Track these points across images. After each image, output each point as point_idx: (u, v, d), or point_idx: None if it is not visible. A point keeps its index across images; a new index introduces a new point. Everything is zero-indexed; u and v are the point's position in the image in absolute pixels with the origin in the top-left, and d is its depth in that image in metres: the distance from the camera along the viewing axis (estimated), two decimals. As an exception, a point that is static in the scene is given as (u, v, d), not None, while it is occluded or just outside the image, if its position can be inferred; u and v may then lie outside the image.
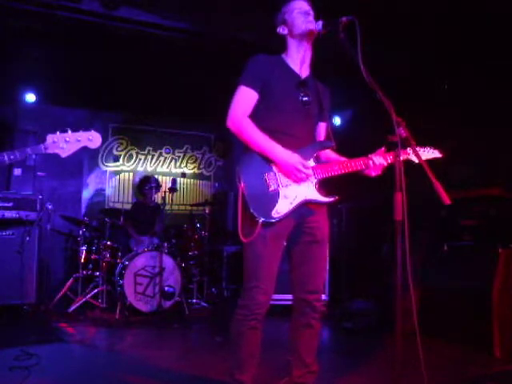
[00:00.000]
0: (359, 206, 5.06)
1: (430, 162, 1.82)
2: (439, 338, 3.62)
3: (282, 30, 2.28)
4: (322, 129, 2.36)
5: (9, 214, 4.66)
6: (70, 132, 2.05)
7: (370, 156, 2.18)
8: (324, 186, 2.19)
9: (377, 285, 4.59)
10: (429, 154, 2.25)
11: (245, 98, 2.19)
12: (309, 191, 2.13)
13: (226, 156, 7.36)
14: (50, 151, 2.03)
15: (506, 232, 3.62)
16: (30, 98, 5.90)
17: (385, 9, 4.13)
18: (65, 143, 2.03)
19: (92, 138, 2.07)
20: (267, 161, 2.12)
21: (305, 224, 2.19)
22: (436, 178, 1.77)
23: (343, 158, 2.27)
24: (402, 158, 1.88)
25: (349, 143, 2.38)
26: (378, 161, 2.16)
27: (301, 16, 2.19)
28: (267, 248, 2.09)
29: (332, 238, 2.37)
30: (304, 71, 2.28)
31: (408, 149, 2.15)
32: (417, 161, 2.13)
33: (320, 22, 2.14)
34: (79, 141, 2.05)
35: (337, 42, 1.99)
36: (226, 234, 6.63)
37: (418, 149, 2.15)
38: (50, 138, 2.04)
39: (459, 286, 3.76)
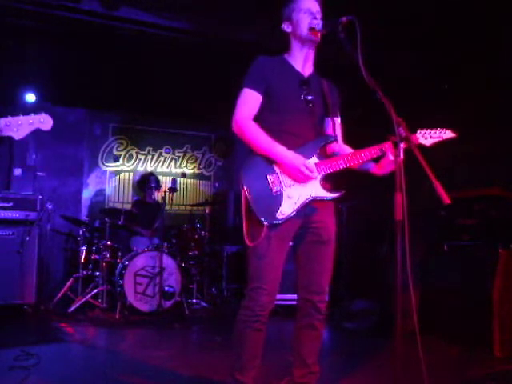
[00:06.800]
0: (360, 205, 5.06)
1: (431, 161, 1.81)
2: (439, 338, 3.63)
3: (286, 27, 2.25)
4: (329, 125, 2.31)
5: (9, 214, 4.67)
6: (21, 116, 2.12)
7: (375, 146, 2.11)
8: (329, 181, 2.17)
9: (377, 285, 4.58)
10: (440, 135, 2.14)
11: (249, 101, 2.18)
12: (313, 189, 2.12)
13: (226, 156, 7.36)
14: (3, 134, 2.09)
15: (506, 232, 3.62)
16: (30, 97, 5.90)
17: (385, 9, 4.14)
18: (18, 126, 2.10)
19: (43, 121, 2.14)
20: (270, 163, 2.11)
21: (311, 224, 2.18)
22: (436, 177, 1.77)
23: (353, 151, 2.20)
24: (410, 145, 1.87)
25: (348, 144, 2.37)
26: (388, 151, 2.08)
27: (307, 17, 2.15)
28: (271, 249, 2.08)
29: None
30: (307, 70, 2.27)
31: (418, 132, 2.12)
32: (428, 144, 2.11)
33: (320, 22, 2.12)
34: (32, 123, 2.12)
35: (337, 42, 1.99)
36: (226, 233, 6.63)
37: (428, 131, 2.12)
38: (2, 121, 2.10)
39: (459, 285, 3.76)
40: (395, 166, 1.84)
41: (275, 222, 2.05)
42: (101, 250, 5.00)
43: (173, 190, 5.54)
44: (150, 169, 6.86)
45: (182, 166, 7.15)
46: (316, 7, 2.19)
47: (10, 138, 2.10)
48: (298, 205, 2.08)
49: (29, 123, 2.11)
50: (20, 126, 2.10)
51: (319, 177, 2.13)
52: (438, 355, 3.31)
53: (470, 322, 3.52)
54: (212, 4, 4.35)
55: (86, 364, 3.21)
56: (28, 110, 2.20)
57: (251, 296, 2.10)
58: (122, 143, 6.79)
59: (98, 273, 4.97)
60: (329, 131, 2.31)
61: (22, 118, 2.11)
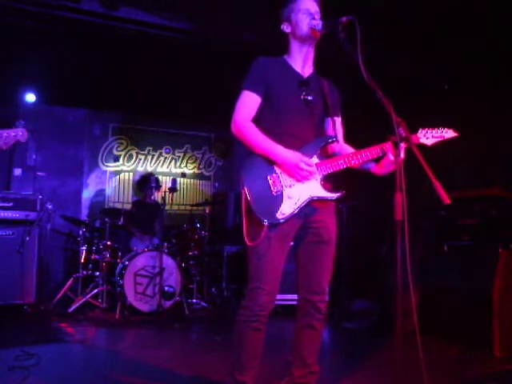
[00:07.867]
0: (360, 205, 5.06)
1: (431, 161, 1.81)
2: (439, 338, 3.62)
3: (285, 27, 2.26)
4: (329, 125, 2.30)
5: (9, 214, 4.67)
6: (5, 130, 2.45)
7: (376, 146, 2.11)
8: (330, 182, 2.16)
9: (377, 285, 4.58)
10: (442, 134, 2.13)
11: (248, 103, 2.18)
12: (314, 189, 2.11)
13: (226, 156, 7.36)
14: None
15: (506, 232, 3.62)
16: (30, 97, 5.90)
17: (385, 9, 4.14)
18: (5, 138, 2.43)
19: (21, 134, 2.48)
20: (270, 163, 2.11)
21: (311, 224, 2.17)
22: (436, 177, 1.77)
23: (354, 151, 2.20)
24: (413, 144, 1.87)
25: (348, 144, 2.37)
26: (389, 151, 2.07)
27: (306, 18, 2.15)
28: (271, 249, 2.08)
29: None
30: (307, 70, 2.27)
31: (419, 131, 2.12)
32: (429, 143, 2.11)
33: (320, 22, 2.12)
34: (15, 136, 2.46)
35: (337, 42, 1.99)
36: (226, 233, 6.63)
37: (429, 130, 2.12)
38: None
39: (459, 285, 3.76)
40: (395, 165, 1.85)
41: (275, 222, 2.05)
42: (101, 250, 5.00)
43: (173, 190, 5.54)
44: (150, 169, 6.86)
45: (182, 165, 7.15)
46: (315, 7, 2.19)
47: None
48: (299, 205, 2.08)
49: (12, 136, 2.44)
50: (7, 138, 2.42)
51: (319, 177, 2.12)
52: (438, 355, 3.31)
53: (470, 322, 3.51)
54: (212, 4, 4.35)
55: (86, 364, 3.20)
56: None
57: (251, 296, 2.10)
58: (122, 143, 6.79)
59: (97, 273, 4.97)
60: (329, 131, 2.31)
61: (7, 131, 2.44)
